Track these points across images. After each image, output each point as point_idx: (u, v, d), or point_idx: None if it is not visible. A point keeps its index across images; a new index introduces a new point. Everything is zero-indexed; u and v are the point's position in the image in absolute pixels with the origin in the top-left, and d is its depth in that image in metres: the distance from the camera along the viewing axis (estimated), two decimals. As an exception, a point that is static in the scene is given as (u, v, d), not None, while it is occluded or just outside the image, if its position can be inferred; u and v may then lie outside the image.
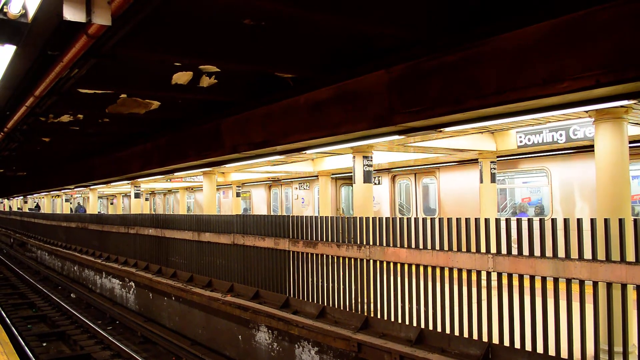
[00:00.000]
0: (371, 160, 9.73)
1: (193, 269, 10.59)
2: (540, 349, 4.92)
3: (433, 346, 5.73)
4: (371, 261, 6.66)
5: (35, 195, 35.29)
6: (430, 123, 5.43)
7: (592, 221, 4.75)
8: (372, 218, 6.67)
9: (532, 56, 4.09)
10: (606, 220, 4.71)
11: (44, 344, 10.41)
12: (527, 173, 13.17)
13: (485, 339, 5.40)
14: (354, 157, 9.74)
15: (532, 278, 5.04)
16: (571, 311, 4.78)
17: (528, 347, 5.02)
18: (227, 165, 11.74)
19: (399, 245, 6.28)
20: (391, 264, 6.41)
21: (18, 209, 44.80)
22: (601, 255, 4.65)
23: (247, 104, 7.71)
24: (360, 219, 6.79)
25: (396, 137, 6.18)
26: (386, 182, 17.24)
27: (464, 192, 14.52)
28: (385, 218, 6.48)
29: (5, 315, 11.96)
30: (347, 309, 6.95)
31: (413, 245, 6.12)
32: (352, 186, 21.01)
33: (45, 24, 4.20)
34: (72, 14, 3.37)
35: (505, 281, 5.28)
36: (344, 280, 7.04)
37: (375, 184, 16.75)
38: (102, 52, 4.83)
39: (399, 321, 6.25)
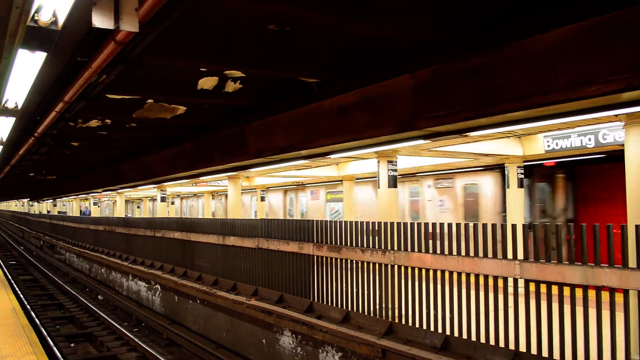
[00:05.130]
0: (396, 165, 9.65)
1: (218, 272, 10.66)
2: (568, 358, 4.82)
3: (458, 353, 5.66)
4: (396, 266, 6.61)
5: (64, 198, 35.97)
6: (455, 127, 5.39)
7: (622, 227, 4.64)
8: (397, 223, 6.63)
9: (559, 59, 4.02)
10: (637, 227, 4.59)
11: (72, 345, 10.58)
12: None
13: (512, 346, 5.31)
14: (378, 161, 9.69)
15: (560, 285, 4.94)
16: (601, 320, 4.67)
17: (556, 356, 4.92)
18: (252, 170, 11.81)
19: (424, 251, 6.23)
20: (416, 270, 6.35)
21: (47, 212, 45.68)
22: (632, 262, 4.54)
23: (271, 108, 7.75)
24: (385, 224, 6.75)
25: (421, 141, 6.15)
26: (280, 195, 25.82)
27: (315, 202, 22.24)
28: (410, 223, 6.42)
29: (34, 316, 12.19)
30: (372, 314, 6.92)
31: (438, 251, 6.06)
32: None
33: (75, 31, 4.29)
34: (100, 20, 3.44)
35: (532, 288, 5.19)
36: (368, 285, 7.01)
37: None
38: (129, 58, 4.92)
39: (424, 327, 6.19)
